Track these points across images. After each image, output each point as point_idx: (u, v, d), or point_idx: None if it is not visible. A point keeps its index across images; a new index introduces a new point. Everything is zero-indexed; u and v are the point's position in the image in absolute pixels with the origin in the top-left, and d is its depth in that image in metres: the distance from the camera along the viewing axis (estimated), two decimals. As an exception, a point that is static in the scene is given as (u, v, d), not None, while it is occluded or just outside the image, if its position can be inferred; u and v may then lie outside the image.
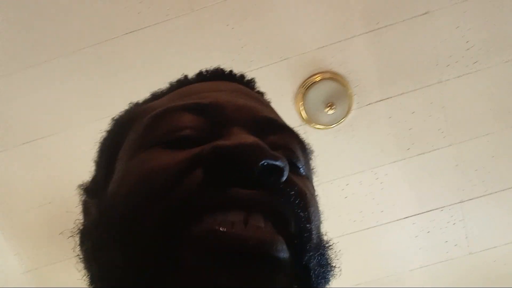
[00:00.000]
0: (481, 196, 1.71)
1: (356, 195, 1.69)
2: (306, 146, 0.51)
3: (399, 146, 1.62)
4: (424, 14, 1.45)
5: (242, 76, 0.57)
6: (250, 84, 0.57)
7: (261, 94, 0.57)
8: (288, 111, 1.53)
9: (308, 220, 0.41)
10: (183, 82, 0.54)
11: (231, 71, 0.56)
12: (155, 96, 0.54)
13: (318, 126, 1.57)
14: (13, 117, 1.48)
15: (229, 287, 0.34)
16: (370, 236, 1.76)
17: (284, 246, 0.37)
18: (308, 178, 0.48)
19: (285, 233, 0.38)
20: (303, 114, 1.54)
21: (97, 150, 0.53)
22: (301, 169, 0.47)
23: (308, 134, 1.56)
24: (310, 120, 1.55)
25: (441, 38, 1.48)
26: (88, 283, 0.44)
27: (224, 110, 0.44)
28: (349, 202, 1.70)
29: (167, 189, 0.38)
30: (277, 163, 0.37)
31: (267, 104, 0.54)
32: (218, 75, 0.55)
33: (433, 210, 1.73)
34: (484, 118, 1.59)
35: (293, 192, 0.40)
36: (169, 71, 1.37)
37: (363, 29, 1.46)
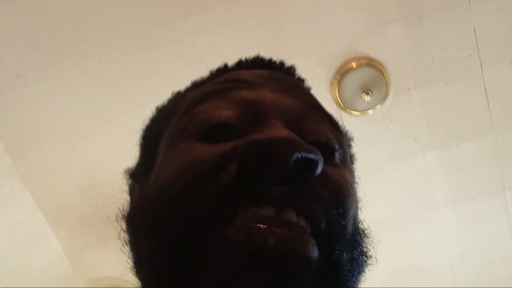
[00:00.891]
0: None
1: (393, 182, 1.67)
2: (344, 133, 0.51)
3: (437, 133, 1.59)
4: (466, 4, 1.39)
5: (281, 64, 0.56)
6: (290, 71, 0.56)
7: (301, 81, 0.57)
8: (323, 98, 1.51)
9: (343, 215, 0.41)
10: (223, 71, 0.55)
11: (270, 59, 0.56)
12: (196, 85, 0.55)
13: (354, 112, 1.55)
14: (57, 107, 1.53)
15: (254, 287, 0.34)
16: (409, 224, 1.73)
17: (315, 248, 0.37)
18: (345, 166, 0.47)
19: (317, 229, 0.38)
20: (339, 100, 1.53)
21: (140, 137, 0.54)
22: (337, 157, 0.46)
23: (344, 120, 1.55)
24: (345, 106, 1.54)
25: (482, 24, 1.42)
26: (132, 266, 0.45)
27: (263, 103, 0.45)
28: (386, 190, 1.68)
29: (203, 183, 0.39)
30: (311, 156, 0.37)
31: (307, 92, 0.53)
32: (257, 64, 0.55)
33: (474, 198, 1.68)
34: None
35: (327, 188, 0.40)
36: (205, 60, 1.38)
37: (401, 15, 1.42)
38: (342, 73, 1.49)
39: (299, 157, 0.37)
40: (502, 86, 1.51)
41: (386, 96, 1.52)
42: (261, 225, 0.35)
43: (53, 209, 1.67)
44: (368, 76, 1.49)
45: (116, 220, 0.47)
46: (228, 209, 0.37)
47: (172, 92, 0.55)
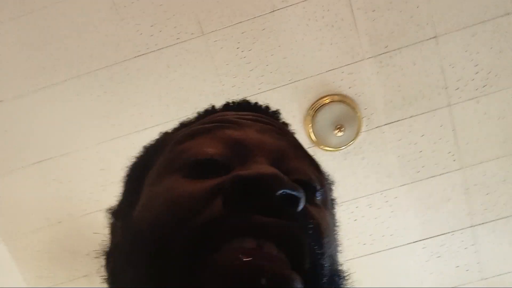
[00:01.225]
0: (492, 221, 1.69)
1: (365, 218, 1.68)
2: (326, 175, 0.53)
3: (408, 169, 1.61)
4: (432, 38, 1.46)
5: (267, 108, 0.58)
6: (274, 115, 0.58)
7: (285, 124, 0.59)
8: (297, 133, 1.53)
9: (322, 252, 0.42)
10: (210, 112, 0.57)
11: (256, 103, 0.58)
12: (183, 125, 0.56)
13: (327, 148, 1.57)
14: (23, 137, 1.50)
15: None
16: (380, 259, 1.73)
17: (300, 283, 0.37)
18: (326, 207, 0.49)
19: (298, 265, 0.39)
20: (312, 136, 1.54)
21: (125, 175, 0.55)
22: (318, 197, 0.48)
23: (317, 156, 1.56)
24: (319, 142, 1.55)
25: (449, 61, 1.49)
26: None
27: (248, 142, 0.46)
28: (358, 225, 1.69)
29: (190, 216, 0.40)
30: (295, 193, 0.39)
31: (290, 135, 0.55)
32: (244, 106, 0.57)
33: (443, 234, 1.70)
34: (495, 141, 1.59)
35: (308, 222, 0.41)
36: (179, 93, 1.40)
37: (372, 52, 1.47)
38: (315, 109, 1.51)
39: (283, 193, 0.38)
40: (469, 122, 1.56)
41: (358, 132, 1.54)
42: (247, 258, 0.36)
43: (17, 245, 1.61)
44: (341, 112, 1.52)
45: (96, 256, 0.47)
46: (213, 240, 0.38)
47: (160, 132, 0.57)
